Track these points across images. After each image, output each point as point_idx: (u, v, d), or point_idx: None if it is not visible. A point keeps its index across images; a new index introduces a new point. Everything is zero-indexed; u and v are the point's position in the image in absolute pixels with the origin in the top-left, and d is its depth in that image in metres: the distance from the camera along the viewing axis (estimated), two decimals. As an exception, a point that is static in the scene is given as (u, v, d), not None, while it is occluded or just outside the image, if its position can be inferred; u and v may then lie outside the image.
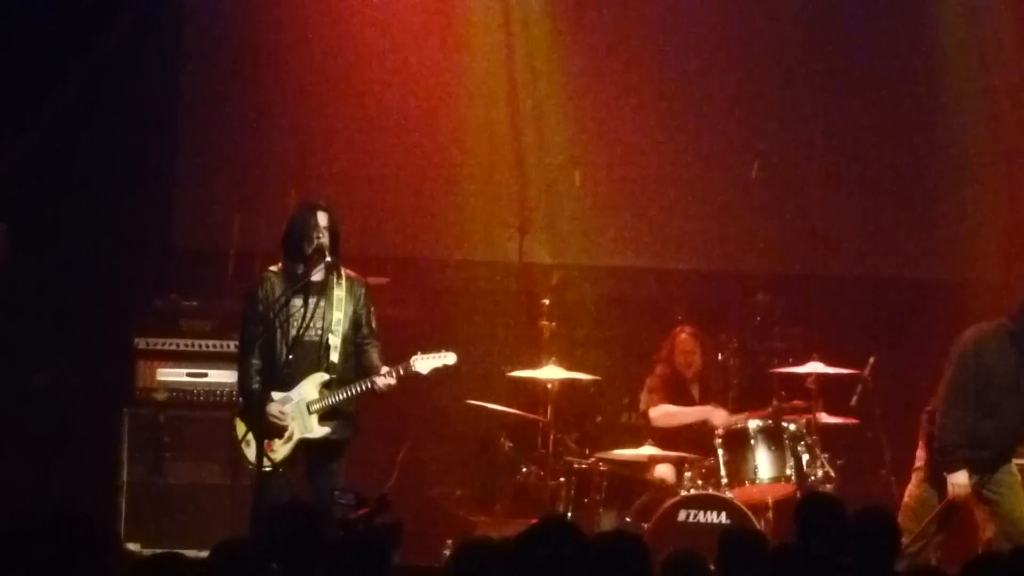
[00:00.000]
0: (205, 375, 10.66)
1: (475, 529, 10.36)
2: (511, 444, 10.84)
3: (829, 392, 10.40)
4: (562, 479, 10.34)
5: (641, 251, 12.08)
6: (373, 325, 9.04)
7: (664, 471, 10.30)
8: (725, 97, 12.00)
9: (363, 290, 9.06)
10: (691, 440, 10.38)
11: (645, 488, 10.28)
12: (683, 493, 9.91)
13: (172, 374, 10.67)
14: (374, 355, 8.97)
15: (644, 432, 10.46)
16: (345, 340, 8.94)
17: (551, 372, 10.38)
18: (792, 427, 10.14)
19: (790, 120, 12.02)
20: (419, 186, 11.90)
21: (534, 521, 6.21)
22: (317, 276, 8.93)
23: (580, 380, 10.54)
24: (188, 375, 10.68)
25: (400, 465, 11.14)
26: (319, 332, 8.88)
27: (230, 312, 10.24)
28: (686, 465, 10.18)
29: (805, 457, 10.09)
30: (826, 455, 10.15)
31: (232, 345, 10.16)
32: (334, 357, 8.92)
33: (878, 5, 12.05)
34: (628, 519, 10.09)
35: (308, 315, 8.82)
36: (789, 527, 7.19)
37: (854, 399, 10.59)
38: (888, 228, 12.03)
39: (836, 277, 12.04)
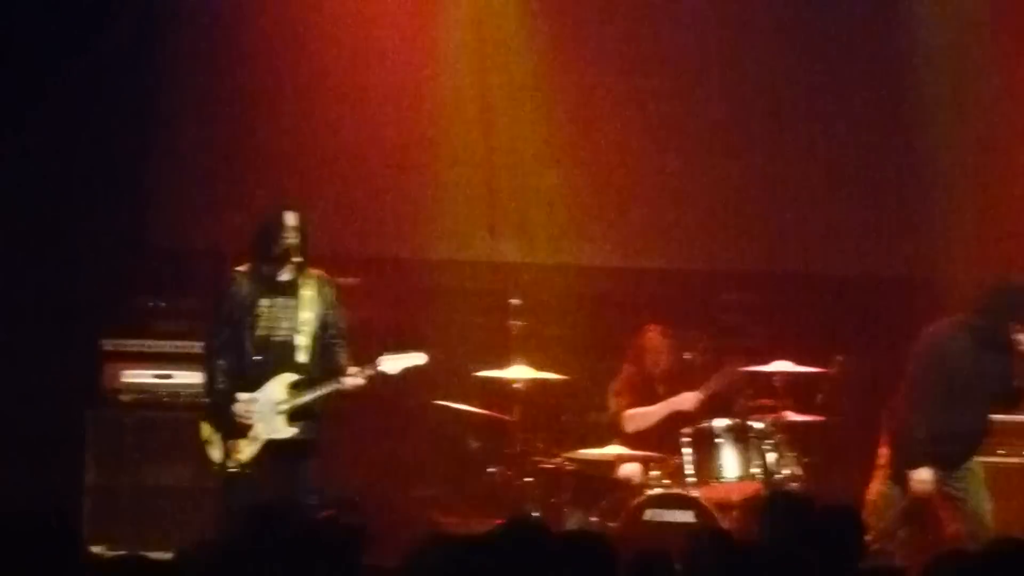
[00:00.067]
0: (171, 376, 10.64)
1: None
2: (479, 444, 10.84)
3: (796, 390, 10.43)
4: (530, 479, 10.34)
5: (610, 250, 12.07)
6: (342, 325, 9.05)
7: (631, 470, 10.29)
8: (698, 96, 11.98)
9: (332, 290, 9.07)
10: (659, 438, 10.39)
11: (612, 487, 10.27)
12: (649, 492, 9.91)
13: (138, 375, 10.64)
14: (342, 355, 8.99)
15: (612, 431, 10.48)
16: (314, 340, 8.94)
17: (519, 372, 10.39)
18: (759, 425, 10.15)
19: (757, 119, 12.03)
20: (387, 185, 11.87)
21: (501, 521, 6.22)
22: (285, 276, 8.93)
23: (549, 380, 10.56)
24: (154, 376, 10.66)
25: (368, 466, 11.13)
26: (287, 332, 8.89)
27: (198, 312, 10.23)
28: (652, 464, 10.19)
29: (772, 456, 10.09)
30: (793, 453, 10.15)
31: (199, 346, 10.14)
32: (302, 357, 8.93)
33: (853, 5, 12.05)
34: (594, 518, 10.09)
35: (276, 315, 8.83)
36: (755, 525, 7.21)
37: (820, 397, 10.62)
38: (855, 226, 12.02)
39: (803, 275, 12.04)
